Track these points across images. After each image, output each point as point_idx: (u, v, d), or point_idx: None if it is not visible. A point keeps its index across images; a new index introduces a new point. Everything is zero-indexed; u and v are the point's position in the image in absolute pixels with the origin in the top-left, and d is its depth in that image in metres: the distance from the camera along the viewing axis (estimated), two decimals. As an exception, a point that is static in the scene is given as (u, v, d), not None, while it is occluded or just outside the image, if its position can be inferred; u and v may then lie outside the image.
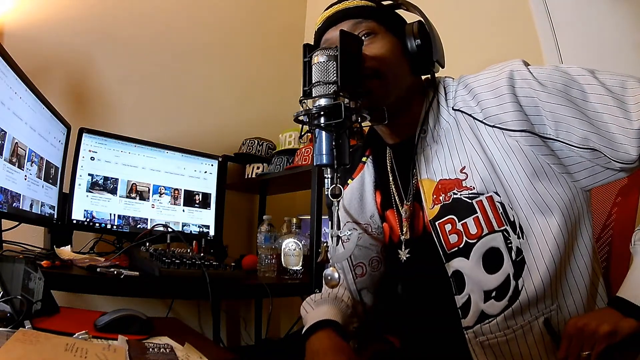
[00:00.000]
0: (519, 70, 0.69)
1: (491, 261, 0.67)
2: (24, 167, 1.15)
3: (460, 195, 0.70)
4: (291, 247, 1.45)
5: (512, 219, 0.67)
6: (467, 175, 0.70)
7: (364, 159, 0.90)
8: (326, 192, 0.64)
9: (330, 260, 0.72)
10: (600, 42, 1.15)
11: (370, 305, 0.87)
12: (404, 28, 0.77)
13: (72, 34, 1.72)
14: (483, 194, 0.68)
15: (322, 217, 1.46)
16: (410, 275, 0.82)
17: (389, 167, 0.84)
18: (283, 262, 1.46)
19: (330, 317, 0.78)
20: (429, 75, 0.79)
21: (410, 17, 0.81)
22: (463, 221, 0.69)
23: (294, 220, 1.58)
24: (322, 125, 0.64)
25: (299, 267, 1.45)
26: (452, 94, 0.76)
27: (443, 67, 0.79)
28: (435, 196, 0.73)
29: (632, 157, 0.61)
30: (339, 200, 0.64)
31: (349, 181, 0.89)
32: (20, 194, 1.13)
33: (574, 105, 0.64)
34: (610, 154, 0.63)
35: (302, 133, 0.72)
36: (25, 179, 1.16)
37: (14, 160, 1.09)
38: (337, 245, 0.67)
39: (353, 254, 0.85)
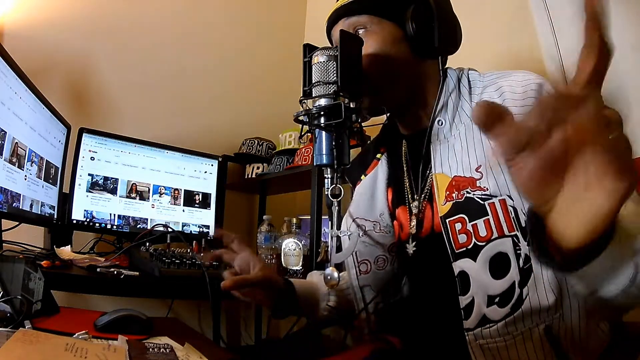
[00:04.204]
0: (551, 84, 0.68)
1: (498, 266, 0.66)
2: (24, 167, 1.15)
3: (473, 195, 0.68)
4: (291, 247, 1.45)
5: (523, 225, 0.65)
6: (482, 174, 0.69)
7: (378, 155, 0.89)
8: (326, 192, 0.64)
9: (330, 260, 0.72)
10: (600, 42, 1.15)
11: (372, 304, 0.87)
12: (404, 12, 0.74)
13: (72, 34, 1.72)
14: (496, 197, 0.67)
15: (322, 217, 1.46)
16: (417, 271, 0.82)
17: (404, 160, 0.83)
18: (283, 262, 1.46)
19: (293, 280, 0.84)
20: (444, 62, 0.78)
21: None
22: (473, 222, 0.68)
23: (294, 220, 1.58)
24: (322, 125, 0.64)
25: (299, 267, 1.45)
26: (478, 89, 0.75)
27: (456, 47, 0.78)
28: (448, 192, 0.71)
29: None
30: (339, 200, 0.64)
31: (362, 177, 0.89)
32: (20, 194, 1.13)
33: None
34: None
35: (302, 133, 0.72)
36: (25, 179, 1.16)
37: (14, 160, 1.09)
38: (337, 245, 0.67)
39: (359, 251, 0.85)
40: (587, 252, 0.40)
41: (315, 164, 0.65)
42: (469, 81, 0.77)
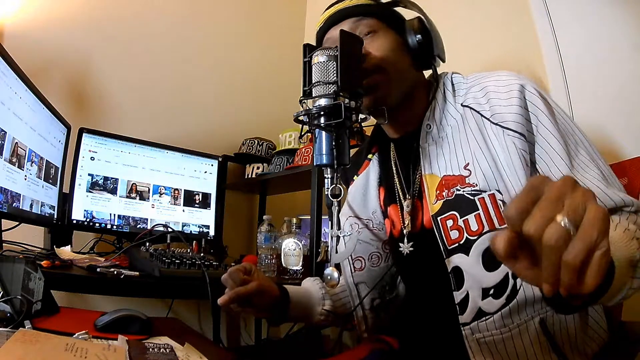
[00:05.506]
0: (535, 87, 0.70)
1: (491, 259, 0.67)
2: (24, 167, 1.15)
3: (463, 191, 0.70)
4: (291, 247, 1.45)
5: None
6: (470, 172, 0.71)
7: (369, 155, 0.91)
8: (326, 192, 0.64)
9: (330, 260, 0.72)
10: (600, 41, 1.15)
11: (368, 302, 0.88)
12: (404, 24, 0.79)
13: (72, 34, 1.72)
14: (485, 192, 0.69)
15: (322, 217, 1.46)
16: (410, 269, 0.83)
17: (392, 162, 0.85)
18: (283, 262, 1.46)
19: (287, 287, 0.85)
20: (431, 70, 0.80)
21: (408, 15, 0.82)
22: (464, 217, 0.69)
23: (294, 220, 1.58)
24: (322, 125, 0.64)
25: (299, 267, 1.45)
26: (463, 91, 0.77)
27: (444, 61, 0.80)
28: (438, 192, 0.73)
29: None
30: (339, 200, 0.65)
31: (355, 177, 0.91)
32: (20, 194, 1.13)
33: (566, 146, 0.66)
34: None
35: (302, 133, 0.72)
36: (25, 179, 1.16)
37: (14, 160, 1.09)
38: (337, 245, 0.68)
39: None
40: (602, 291, 0.43)
41: (315, 164, 0.65)
42: (452, 84, 0.79)
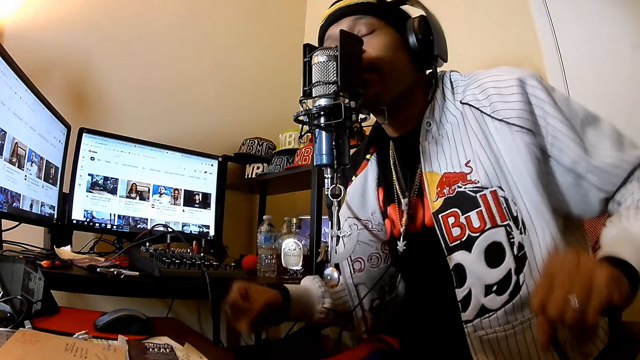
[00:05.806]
0: (533, 76, 0.70)
1: (493, 255, 0.67)
2: (24, 167, 1.15)
3: (465, 188, 0.70)
4: (291, 247, 1.45)
5: (515, 214, 0.67)
6: (472, 168, 0.70)
7: (368, 156, 0.91)
8: (326, 192, 0.64)
9: (330, 260, 0.72)
10: (600, 41, 1.15)
11: (368, 302, 0.88)
12: (405, 23, 0.78)
13: (72, 34, 1.72)
14: (487, 188, 0.68)
15: (322, 217, 1.46)
16: (410, 268, 0.83)
17: (391, 161, 0.85)
18: (283, 262, 1.46)
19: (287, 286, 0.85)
20: (432, 70, 0.80)
21: (415, 13, 0.81)
22: (466, 214, 0.69)
23: (294, 220, 1.58)
24: (322, 125, 0.64)
25: (299, 267, 1.45)
26: (461, 88, 0.77)
27: (446, 61, 0.80)
28: (439, 189, 0.73)
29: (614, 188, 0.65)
30: (339, 200, 0.65)
31: (353, 178, 0.90)
32: (20, 194, 1.13)
33: (575, 130, 0.66)
34: (596, 182, 0.65)
35: (302, 133, 0.72)
36: (25, 179, 1.16)
37: (14, 160, 1.09)
38: (337, 245, 0.68)
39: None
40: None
41: (315, 164, 0.65)
42: (451, 82, 0.79)
